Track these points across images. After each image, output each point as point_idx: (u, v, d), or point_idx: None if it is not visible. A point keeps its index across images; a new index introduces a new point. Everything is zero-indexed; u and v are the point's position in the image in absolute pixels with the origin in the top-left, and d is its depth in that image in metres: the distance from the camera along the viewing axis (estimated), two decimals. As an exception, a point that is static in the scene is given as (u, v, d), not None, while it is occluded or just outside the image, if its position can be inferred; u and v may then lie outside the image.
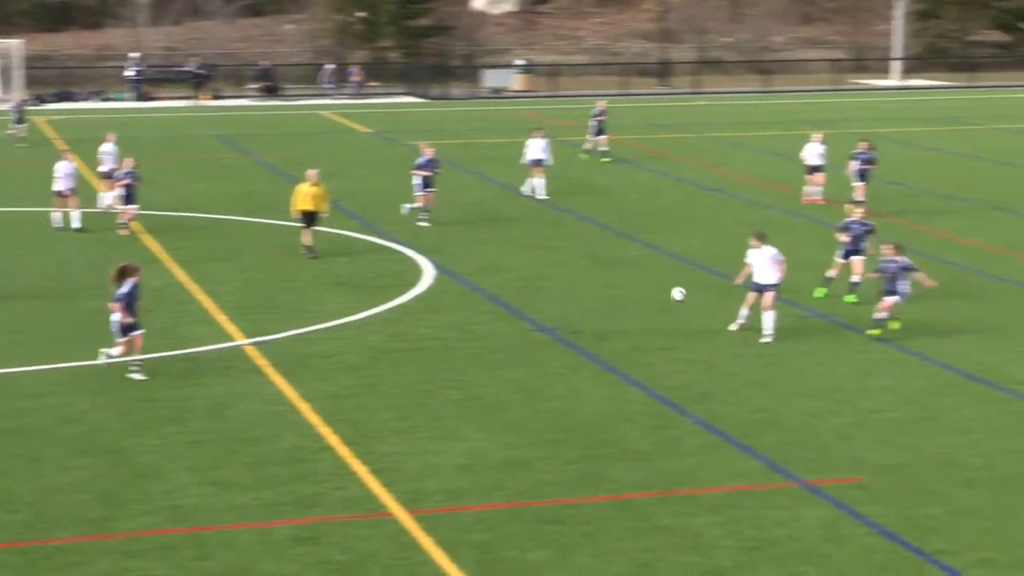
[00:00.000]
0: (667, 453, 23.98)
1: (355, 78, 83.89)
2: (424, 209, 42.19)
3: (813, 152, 45.38)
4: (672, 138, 62.74)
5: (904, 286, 30.20)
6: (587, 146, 56.17)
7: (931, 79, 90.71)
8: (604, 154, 55.44)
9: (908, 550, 20.13)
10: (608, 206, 46.18)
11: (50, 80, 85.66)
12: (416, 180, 42.70)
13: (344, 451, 23.87)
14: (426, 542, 20.09)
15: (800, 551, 19.93)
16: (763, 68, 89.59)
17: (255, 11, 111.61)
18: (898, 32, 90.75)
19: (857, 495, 22.16)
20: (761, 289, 30.45)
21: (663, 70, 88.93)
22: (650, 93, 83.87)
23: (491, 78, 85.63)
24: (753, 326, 30.82)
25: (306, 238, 38.24)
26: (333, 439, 24.43)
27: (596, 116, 56.13)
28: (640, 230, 42.42)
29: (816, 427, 25.34)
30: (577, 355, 29.81)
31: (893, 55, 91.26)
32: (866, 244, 33.74)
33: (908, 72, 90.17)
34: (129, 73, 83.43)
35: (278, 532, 20.54)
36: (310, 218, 38.35)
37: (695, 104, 77.60)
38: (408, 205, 42.62)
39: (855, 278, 33.53)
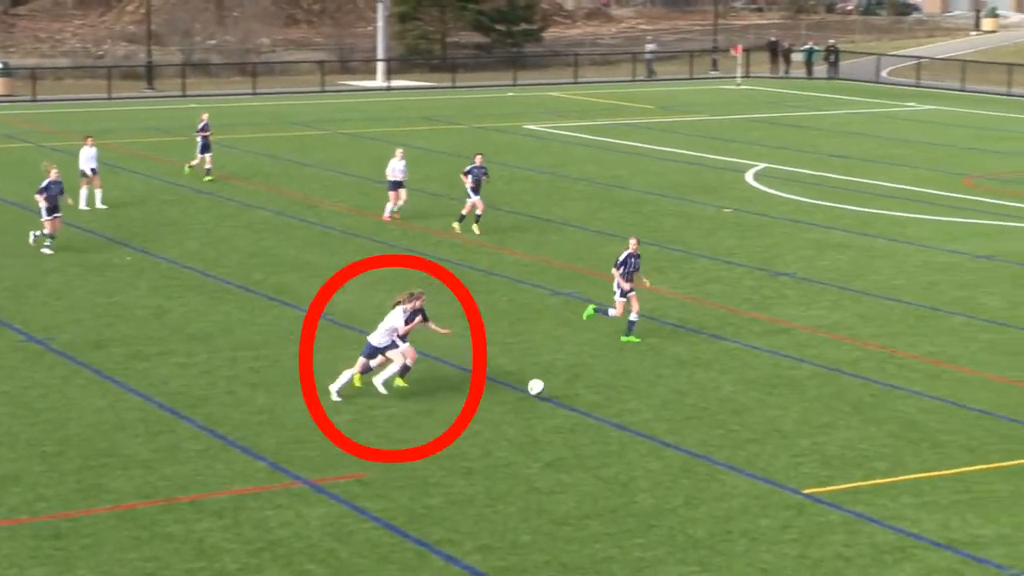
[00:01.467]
0: (168, 460, 23.65)
1: None
2: (49, 236, 39.31)
3: (395, 168, 44.18)
4: (161, 141, 61.87)
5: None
6: (194, 162, 51.82)
7: (414, 80, 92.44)
8: (208, 172, 51.47)
9: (410, 541, 20.46)
10: (96, 212, 45.07)
11: None
12: (42, 205, 39.18)
13: None
14: (-83, 567, 19.23)
15: (305, 549, 19.99)
16: (250, 70, 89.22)
17: None
18: (381, 34, 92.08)
19: (360, 490, 22.41)
20: (372, 353, 27.09)
21: (149, 72, 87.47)
22: (137, 96, 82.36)
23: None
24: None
25: None
26: None
27: (200, 131, 51.44)
28: (132, 235, 41.67)
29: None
30: (71, 364, 29.08)
31: (377, 57, 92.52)
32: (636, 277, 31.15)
33: (392, 73, 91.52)
34: None
35: None
36: None
37: (183, 107, 76.74)
38: (34, 232, 39.81)
39: (632, 316, 30.97)
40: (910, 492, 22.44)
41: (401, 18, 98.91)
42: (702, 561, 19.79)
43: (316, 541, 20.31)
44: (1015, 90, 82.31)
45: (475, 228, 42.04)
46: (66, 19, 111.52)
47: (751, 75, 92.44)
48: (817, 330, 31.96)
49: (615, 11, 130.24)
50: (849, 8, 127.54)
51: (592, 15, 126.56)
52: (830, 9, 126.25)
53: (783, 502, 22.00)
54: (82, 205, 45.11)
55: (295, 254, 39.25)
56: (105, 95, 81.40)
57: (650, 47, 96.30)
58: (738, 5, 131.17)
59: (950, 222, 44.40)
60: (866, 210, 46.12)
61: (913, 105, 77.59)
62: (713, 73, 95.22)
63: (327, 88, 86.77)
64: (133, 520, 21.11)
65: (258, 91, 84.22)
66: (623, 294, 30.87)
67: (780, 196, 48.76)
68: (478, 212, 42.16)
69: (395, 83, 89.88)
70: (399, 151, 44.70)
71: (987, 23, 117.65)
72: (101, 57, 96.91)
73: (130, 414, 26.00)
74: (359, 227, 42.96)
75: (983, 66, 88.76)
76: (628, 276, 30.90)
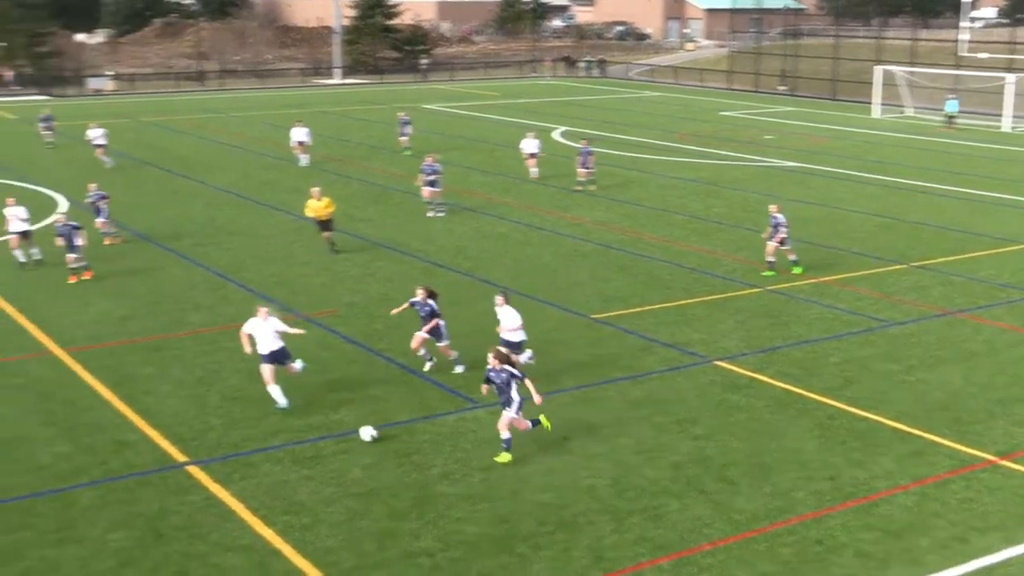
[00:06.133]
0: (223, 303, 23.00)
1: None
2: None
3: (299, 132, 41.31)
4: (207, 117, 59.99)
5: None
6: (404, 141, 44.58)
7: (357, 79, 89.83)
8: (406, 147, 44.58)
9: (363, 349, 20.25)
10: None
11: None
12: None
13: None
14: (74, 371, 18.51)
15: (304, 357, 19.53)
16: (260, 74, 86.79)
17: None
18: (336, 52, 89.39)
19: (335, 320, 22.07)
20: (508, 345, 18.04)
21: (200, 76, 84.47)
22: (189, 91, 79.57)
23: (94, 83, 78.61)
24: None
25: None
26: None
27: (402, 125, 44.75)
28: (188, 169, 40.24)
29: (308, 283, 25.00)
30: (159, 250, 28.11)
31: (335, 65, 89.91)
32: (780, 233, 25.29)
33: (344, 75, 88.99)
34: None
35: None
36: (324, 224, 28.22)
37: (221, 96, 74.28)
38: None
39: (792, 256, 25.72)
40: (652, 316, 22.56)
41: (348, 43, 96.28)
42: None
43: (310, 351, 19.88)
44: (706, 83, 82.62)
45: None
46: (148, 45, 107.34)
47: (556, 76, 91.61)
48: (596, 224, 31.85)
49: (475, 38, 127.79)
50: (610, 36, 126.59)
51: (462, 40, 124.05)
52: (600, 37, 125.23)
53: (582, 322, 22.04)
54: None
55: (292, 183, 38.21)
56: (174, 90, 78.67)
57: (424, 61, 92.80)
58: (547, 34, 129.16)
59: (672, 160, 44.44)
60: (625, 154, 45.92)
61: (648, 92, 77.44)
62: (533, 75, 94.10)
63: (306, 84, 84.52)
64: (203, 339, 20.70)
65: (264, 87, 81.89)
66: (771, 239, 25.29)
67: (571, 145, 48.31)
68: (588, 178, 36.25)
69: (346, 81, 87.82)
70: (299, 123, 42.51)
71: (689, 45, 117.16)
72: (171, 67, 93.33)
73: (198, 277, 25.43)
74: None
75: (687, 70, 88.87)
76: (776, 229, 25.20)
